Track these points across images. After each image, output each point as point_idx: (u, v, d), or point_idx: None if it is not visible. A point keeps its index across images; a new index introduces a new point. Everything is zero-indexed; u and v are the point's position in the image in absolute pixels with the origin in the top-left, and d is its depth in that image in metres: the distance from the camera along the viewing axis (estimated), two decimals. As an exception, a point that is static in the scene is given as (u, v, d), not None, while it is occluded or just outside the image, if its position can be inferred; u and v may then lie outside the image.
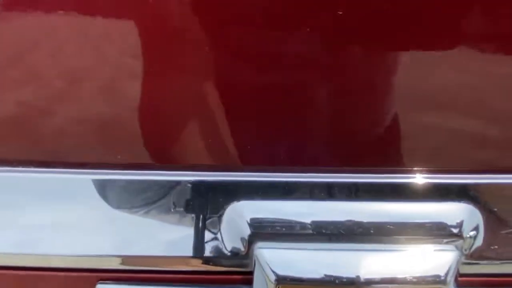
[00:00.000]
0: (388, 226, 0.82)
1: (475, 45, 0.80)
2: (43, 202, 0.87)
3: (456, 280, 0.82)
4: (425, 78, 0.82)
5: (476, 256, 0.83)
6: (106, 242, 0.86)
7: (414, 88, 0.82)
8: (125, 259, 0.86)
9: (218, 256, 0.84)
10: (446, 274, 0.79)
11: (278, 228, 0.82)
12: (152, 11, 0.81)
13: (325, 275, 0.80)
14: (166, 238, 0.86)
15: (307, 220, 0.82)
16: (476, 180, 0.84)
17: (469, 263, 0.83)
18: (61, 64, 0.84)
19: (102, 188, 0.87)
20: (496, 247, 0.83)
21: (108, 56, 0.83)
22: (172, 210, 0.85)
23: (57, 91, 0.85)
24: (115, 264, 0.86)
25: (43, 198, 0.87)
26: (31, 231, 0.87)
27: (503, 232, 0.83)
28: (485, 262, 0.83)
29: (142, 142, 0.86)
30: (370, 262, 0.80)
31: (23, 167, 0.87)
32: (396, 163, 0.85)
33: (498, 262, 0.83)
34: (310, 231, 0.82)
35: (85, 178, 0.87)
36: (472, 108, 0.83)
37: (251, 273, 0.83)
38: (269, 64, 0.82)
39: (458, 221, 0.82)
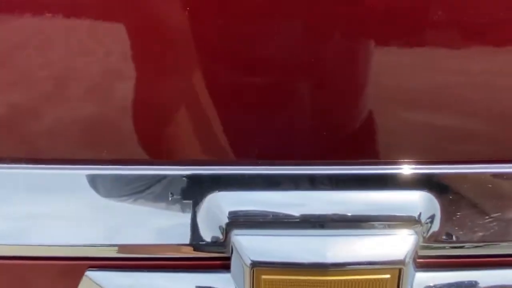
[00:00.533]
0: (354, 213, 0.87)
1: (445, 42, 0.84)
2: (32, 196, 0.91)
3: (415, 261, 0.87)
4: (384, 74, 0.86)
5: (432, 239, 0.88)
6: (94, 232, 0.90)
7: (374, 84, 0.86)
8: (112, 247, 0.90)
9: (199, 244, 0.88)
10: (406, 256, 0.85)
11: (252, 217, 0.87)
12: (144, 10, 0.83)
13: (296, 259, 0.84)
14: (150, 227, 0.90)
15: (278, 209, 0.87)
16: (434, 171, 0.88)
17: (426, 246, 0.88)
18: (50, 63, 0.86)
19: (88, 182, 0.90)
20: (450, 231, 0.88)
21: (98, 53, 0.86)
22: (156, 202, 0.89)
23: (47, 90, 0.88)
24: (103, 253, 0.90)
25: (33, 192, 0.91)
26: (23, 222, 0.90)
27: (457, 218, 0.88)
28: (440, 245, 0.89)
29: (128, 139, 0.90)
30: (337, 246, 0.85)
31: (14, 163, 0.90)
32: (362, 156, 0.90)
33: (452, 245, 0.89)
34: (281, 220, 0.87)
35: (71, 173, 0.90)
36: (431, 102, 0.87)
37: (229, 258, 0.88)
38: (250, 60, 0.85)
39: (417, 208, 0.87)
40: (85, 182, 0.90)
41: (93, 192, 0.90)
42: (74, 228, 0.90)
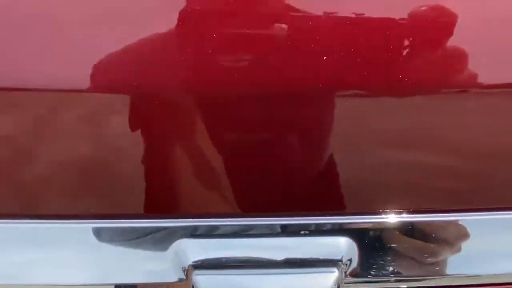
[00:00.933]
0: (291, 256, 1.00)
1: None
2: (27, 247, 1.02)
3: (339, 294, 1.02)
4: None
5: (353, 275, 1.01)
6: (79, 274, 1.01)
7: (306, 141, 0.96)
8: (99, 286, 1.01)
9: (167, 282, 1.00)
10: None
11: (209, 260, 0.99)
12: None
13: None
14: (126, 268, 1.01)
15: (230, 254, 0.99)
16: (351, 220, 1.01)
17: (348, 282, 1.01)
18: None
19: (76, 233, 1.00)
20: (366, 269, 1.01)
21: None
22: (131, 248, 1.00)
23: (47, 144, 0.96)
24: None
25: (32, 244, 1.02)
26: (24, 267, 1.01)
27: (371, 258, 1.01)
28: (359, 280, 1.01)
29: (109, 195, 1.00)
30: (276, 283, 0.98)
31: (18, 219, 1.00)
32: (294, 208, 1.01)
33: (369, 279, 1.02)
34: (232, 262, 0.99)
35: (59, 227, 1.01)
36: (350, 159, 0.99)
37: (190, 294, 1.01)
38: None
39: (339, 250, 1.00)
40: (64, 235, 1.01)
41: (76, 243, 1.01)
42: (63, 271, 1.01)
